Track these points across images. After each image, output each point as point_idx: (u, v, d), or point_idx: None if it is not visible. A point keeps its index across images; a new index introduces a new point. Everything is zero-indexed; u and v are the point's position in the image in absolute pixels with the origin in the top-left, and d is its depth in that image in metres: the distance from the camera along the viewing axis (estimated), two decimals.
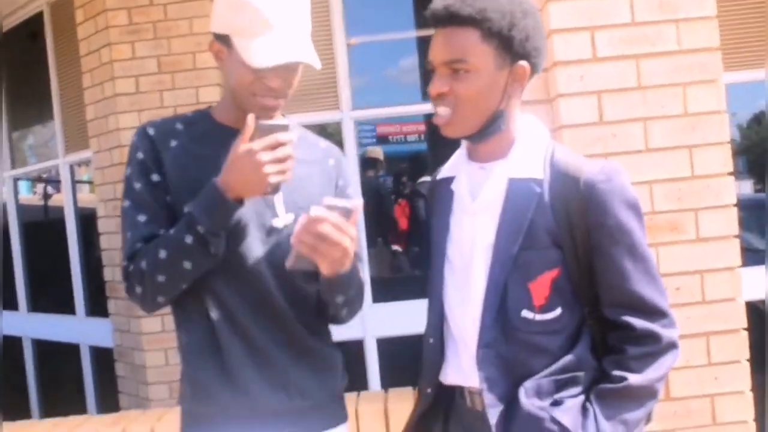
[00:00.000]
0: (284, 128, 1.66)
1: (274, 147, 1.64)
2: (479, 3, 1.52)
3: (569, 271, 1.54)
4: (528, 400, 1.51)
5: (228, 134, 1.77)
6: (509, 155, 1.60)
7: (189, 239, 1.65)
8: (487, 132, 1.60)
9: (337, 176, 1.90)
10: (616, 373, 1.52)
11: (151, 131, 1.77)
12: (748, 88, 3.85)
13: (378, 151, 5.81)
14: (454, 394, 1.69)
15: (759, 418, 2.83)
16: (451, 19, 1.53)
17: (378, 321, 4.39)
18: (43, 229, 6.35)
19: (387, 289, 5.30)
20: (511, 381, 1.54)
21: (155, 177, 1.74)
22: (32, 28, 5.46)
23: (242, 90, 1.71)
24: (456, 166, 1.72)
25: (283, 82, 1.70)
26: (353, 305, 1.85)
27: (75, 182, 5.42)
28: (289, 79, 1.72)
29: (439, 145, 5.61)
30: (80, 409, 5.35)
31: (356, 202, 1.59)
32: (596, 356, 1.56)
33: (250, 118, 1.65)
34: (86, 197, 5.53)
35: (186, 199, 1.71)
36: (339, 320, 1.87)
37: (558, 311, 1.55)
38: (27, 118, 6.11)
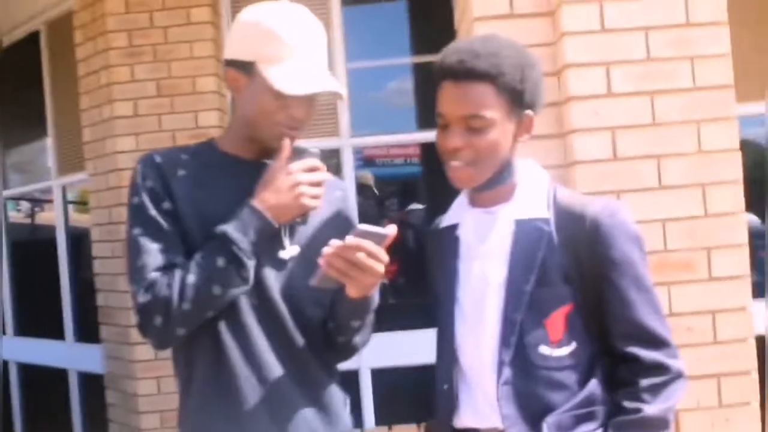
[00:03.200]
0: (316, 154, 1.70)
1: (310, 170, 1.67)
2: (493, 58, 1.57)
3: (580, 306, 1.60)
4: None
5: (236, 164, 1.76)
6: (513, 198, 1.67)
7: (221, 262, 1.62)
8: (498, 181, 1.66)
9: (343, 208, 1.90)
10: (631, 405, 1.56)
11: (158, 159, 1.73)
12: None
13: (368, 177, 5.79)
14: None
15: None
16: (467, 74, 1.57)
17: (372, 352, 4.32)
18: (29, 248, 6.27)
19: (381, 320, 5.24)
20: (530, 418, 1.57)
21: (167, 205, 1.70)
22: (28, 47, 5.41)
23: (263, 119, 1.69)
24: (458, 214, 1.76)
25: (305, 112, 1.71)
26: (366, 332, 1.84)
27: (67, 204, 5.35)
28: (310, 109, 1.73)
29: (427, 169, 5.62)
30: None
31: (390, 228, 1.58)
32: (608, 390, 1.60)
33: (287, 141, 1.68)
34: (75, 217, 5.48)
35: (194, 230, 1.68)
36: (348, 349, 1.85)
37: (573, 346, 1.60)
38: (20, 138, 6.05)
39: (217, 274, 1.62)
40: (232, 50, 1.73)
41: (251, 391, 1.69)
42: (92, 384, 5.02)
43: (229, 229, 1.63)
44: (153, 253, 1.66)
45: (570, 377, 1.59)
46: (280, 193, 1.65)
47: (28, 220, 6.39)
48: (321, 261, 1.58)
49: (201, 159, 1.76)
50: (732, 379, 2.68)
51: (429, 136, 4.50)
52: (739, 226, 2.67)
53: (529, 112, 1.63)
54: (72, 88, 4.78)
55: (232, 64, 1.72)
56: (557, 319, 1.59)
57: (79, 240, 5.34)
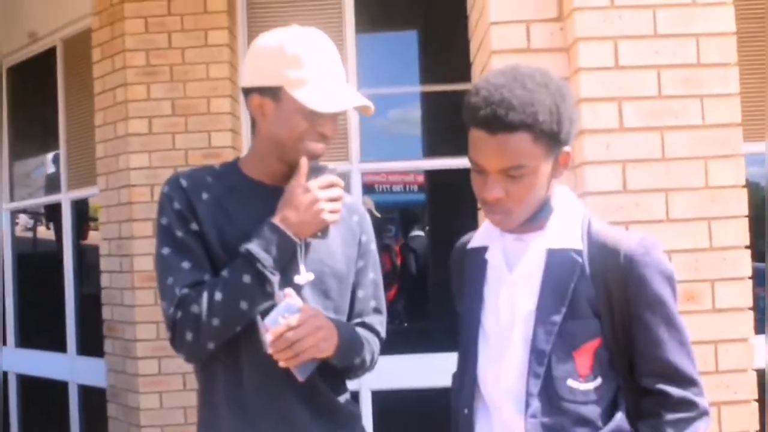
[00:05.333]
0: (333, 171, 1.76)
1: (328, 186, 1.73)
2: (529, 108, 1.51)
3: (607, 340, 1.59)
4: None
5: (260, 189, 1.82)
6: (547, 227, 1.64)
7: (247, 278, 1.68)
8: (535, 220, 1.64)
9: (360, 232, 1.95)
10: None
11: (184, 183, 1.80)
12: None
13: (369, 202, 5.86)
14: None
15: None
16: (504, 128, 1.51)
17: (373, 374, 4.35)
18: (32, 261, 6.29)
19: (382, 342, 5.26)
20: None
21: (194, 226, 1.76)
22: (44, 62, 5.48)
23: (294, 140, 1.75)
24: (488, 236, 1.74)
25: (333, 129, 1.78)
26: (372, 361, 1.91)
27: (75, 218, 5.40)
28: (336, 126, 1.80)
29: (426, 196, 5.67)
30: None
31: (292, 301, 1.68)
32: (630, 423, 1.60)
33: (304, 159, 1.74)
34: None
35: (219, 252, 1.75)
36: (365, 368, 1.92)
37: (599, 381, 1.59)
38: (30, 151, 6.10)
39: (244, 290, 1.68)
40: (255, 77, 1.78)
41: (265, 408, 1.76)
42: (93, 397, 5.04)
43: (253, 247, 1.69)
44: (183, 271, 1.73)
45: (594, 411, 1.57)
46: (300, 211, 1.71)
47: (25, 234, 6.40)
48: (281, 364, 1.68)
49: (225, 182, 1.83)
50: (732, 408, 2.74)
51: (437, 163, 4.63)
52: (742, 260, 2.74)
53: (566, 148, 1.60)
54: (86, 104, 4.85)
55: (256, 90, 1.77)
56: (586, 353, 1.58)
57: (81, 255, 5.38)
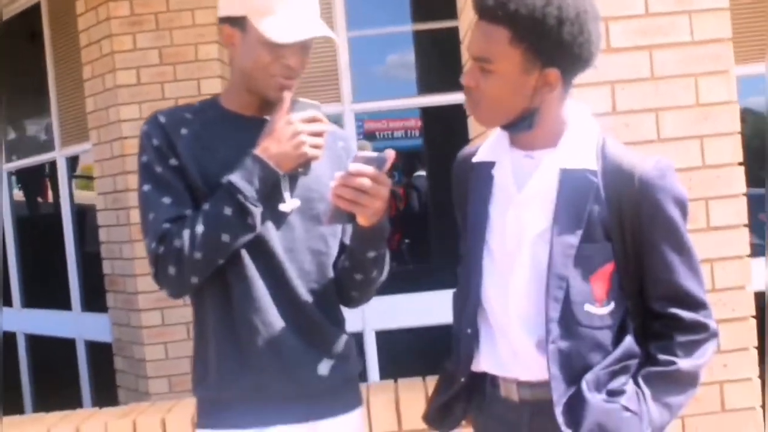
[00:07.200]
0: (317, 107, 1.74)
1: (310, 121, 1.71)
2: (513, 3, 1.47)
3: (618, 264, 1.56)
4: (590, 393, 1.52)
5: (238, 121, 1.80)
6: (559, 144, 1.58)
7: (228, 210, 1.67)
8: (516, 128, 1.59)
9: (347, 157, 1.91)
10: (665, 357, 1.56)
11: (162, 119, 1.78)
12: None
13: (367, 145, 5.81)
14: (482, 380, 1.69)
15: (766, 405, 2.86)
16: (484, 13, 1.51)
17: (377, 314, 4.40)
18: (33, 223, 6.31)
19: (385, 282, 5.26)
20: (569, 376, 1.55)
21: (173, 161, 1.75)
22: (29, 19, 5.42)
23: (259, 71, 1.73)
24: (496, 151, 1.67)
25: (300, 61, 1.75)
26: (381, 266, 1.86)
27: (72, 176, 5.39)
28: (304, 57, 1.76)
29: (426, 142, 5.65)
30: (75, 405, 5.31)
31: (389, 151, 1.62)
32: (640, 343, 1.60)
33: (287, 93, 1.71)
34: (78, 193, 5.51)
35: (200, 186, 1.74)
36: (367, 287, 1.87)
37: (612, 305, 1.57)
38: (22, 110, 6.06)
39: (225, 222, 1.67)
40: (225, 7, 1.76)
41: (258, 338, 1.74)
42: (100, 352, 5.10)
43: (234, 178, 1.68)
44: (163, 206, 1.72)
45: (607, 337, 1.56)
46: (282, 142, 1.69)
47: (31, 195, 6.41)
48: (330, 195, 1.63)
49: (204, 117, 1.81)
50: (730, 326, 2.72)
51: (429, 100, 4.60)
52: (736, 177, 2.71)
53: (552, 70, 1.51)
54: (75, 58, 4.81)
55: (226, 20, 1.75)
56: (602, 277, 1.55)
57: (81, 213, 5.38)
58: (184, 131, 1.77)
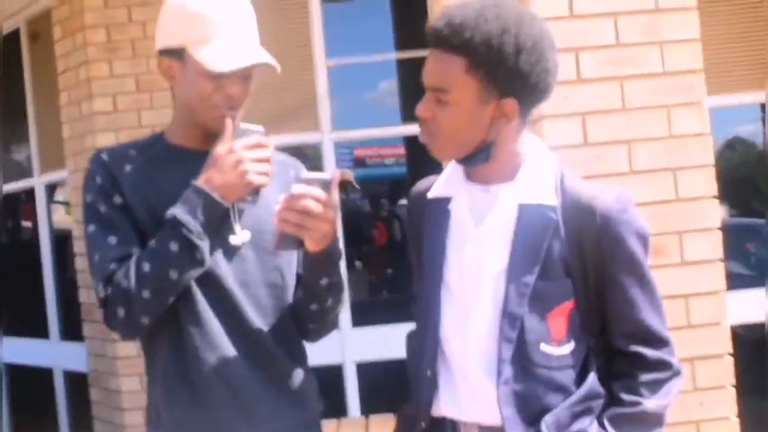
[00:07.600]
0: (261, 132, 1.68)
1: (254, 147, 1.65)
2: (469, 31, 1.45)
3: (580, 302, 1.53)
4: None
5: (182, 155, 1.76)
6: (516, 179, 1.54)
7: (174, 246, 1.61)
8: (472, 161, 1.56)
9: None
10: (630, 397, 1.52)
11: (105, 157, 1.74)
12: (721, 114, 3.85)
13: (349, 174, 5.80)
14: (442, 425, 1.61)
15: None
16: (440, 43, 1.48)
17: (357, 345, 4.34)
18: (11, 250, 6.25)
19: (366, 313, 5.25)
20: (526, 418, 1.50)
21: (118, 200, 1.70)
22: (8, 45, 5.40)
23: (201, 103, 1.68)
24: (451, 185, 1.64)
25: (242, 89, 1.70)
26: (338, 294, 1.80)
27: (52, 202, 5.34)
28: (246, 86, 1.71)
29: (417, 168, 5.63)
30: None
31: (334, 172, 1.59)
32: (603, 383, 1.55)
33: (229, 121, 1.66)
34: (60, 218, 5.46)
35: (147, 223, 1.69)
36: (324, 318, 1.82)
37: (572, 344, 1.52)
38: (1, 136, 6.02)
39: (172, 258, 1.62)
40: (161, 38, 1.72)
41: (213, 378, 1.68)
42: (77, 382, 5.01)
43: (178, 212, 1.62)
44: (109, 247, 1.67)
45: (568, 377, 1.52)
46: (225, 172, 1.63)
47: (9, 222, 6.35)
48: (274, 219, 1.58)
49: (148, 153, 1.76)
50: (706, 363, 2.69)
51: (410, 129, 4.55)
52: (710, 210, 2.69)
53: (509, 100, 1.48)
54: (53, 84, 4.77)
55: (164, 53, 1.71)
56: (560, 316, 1.51)
57: (60, 240, 5.33)
58: (128, 168, 1.73)
